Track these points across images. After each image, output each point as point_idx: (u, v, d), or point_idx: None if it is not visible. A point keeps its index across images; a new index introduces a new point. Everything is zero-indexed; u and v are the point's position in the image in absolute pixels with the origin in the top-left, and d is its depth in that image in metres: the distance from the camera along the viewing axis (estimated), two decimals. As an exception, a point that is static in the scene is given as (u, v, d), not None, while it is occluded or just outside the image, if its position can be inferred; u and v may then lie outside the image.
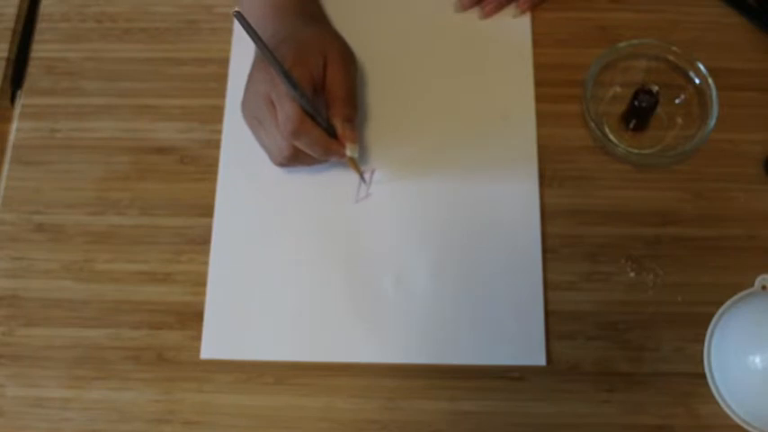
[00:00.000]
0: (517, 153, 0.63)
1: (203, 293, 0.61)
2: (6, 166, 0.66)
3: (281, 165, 0.61)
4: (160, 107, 0.66)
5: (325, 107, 0.59)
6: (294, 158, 0.59)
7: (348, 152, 0.59)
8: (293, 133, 0.56)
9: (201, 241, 0.62)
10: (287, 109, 0.56)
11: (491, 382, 0.58)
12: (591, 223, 0.62)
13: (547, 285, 0.60)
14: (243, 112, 0.61)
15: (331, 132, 0.58)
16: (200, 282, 0.61)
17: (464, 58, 0.66)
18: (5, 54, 0.68)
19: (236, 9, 0.50)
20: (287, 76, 0.54)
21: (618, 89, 0.65)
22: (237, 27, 0.68)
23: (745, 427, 0.53)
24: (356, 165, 0.61)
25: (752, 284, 0.56)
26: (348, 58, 0.61)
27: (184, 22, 0.69)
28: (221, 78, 0.67)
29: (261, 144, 0.61)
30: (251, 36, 0.51)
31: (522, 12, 0.67)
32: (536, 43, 0.67)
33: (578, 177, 0.63)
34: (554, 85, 0.65)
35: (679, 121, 0.64)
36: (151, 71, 0.67)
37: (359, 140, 0.60)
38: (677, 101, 0.64)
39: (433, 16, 0.68)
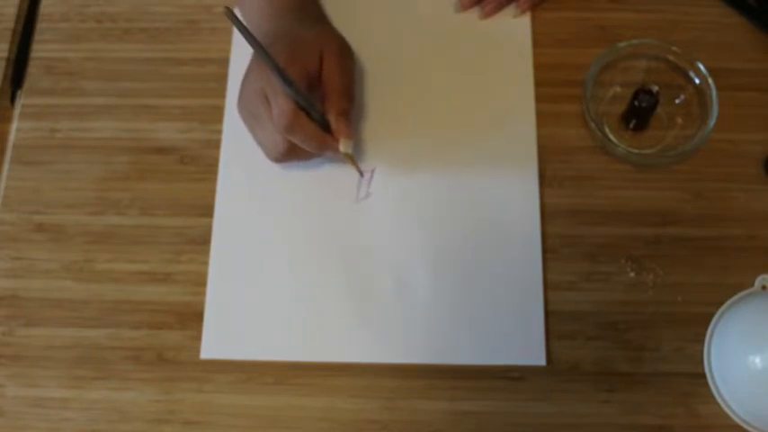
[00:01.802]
0: (517, 153, 0.63)
1: (203, 293, 0.61)
2: (6, 166, 0.66)
3: (277, 161, 0.61)
4: (160, 107, 0.66)
5: (320, 102, 0.59)
6: (290, 153, 0.59)
7: (341, 147, 0.58)
8: (287, 128, 0.56)
9: (201, 241, 0.62)
10: (280, 104, 0.56)
11: (491, 383, 0.58)
12: (591, 223, 0.62)
13: (547, 285, 0.60)
14: (238, 109, 0.61)
15: (327, 127, 0.58)
16: (200, 282, 0.61)
17: (464, 58, 0.66)
18: (5, 54, 0.68)
19: (226, 6, 0.50)
20: (279, 71, 0.54)
21: (618, 89, 0.65)
22: (237, 27, 0.68)
23: (745, 427, 0.53)
24: (353, 160, 0.61)
25: (752, 284, 0.56)
26: (345, 54, 0.61)
27: (184, 22, 0.69)
28: (221, 78, 0.67)
29: (256, 140, 0.61)
30: (241, 31, 0.51)
31: (522, 12, 0.67)
32: (536, 43, 0.66)
33: (578, 177, 0.63)
34: (554, 85, 0.65)
35: (679, 121, 0.64)
36: (151, 71, 0.67)
37: (354, 136, 0.60)
38: (677, 101, 0.64)
39: (433, 16, 0.68)
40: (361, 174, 0.62)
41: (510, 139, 0.64)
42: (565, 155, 0.63)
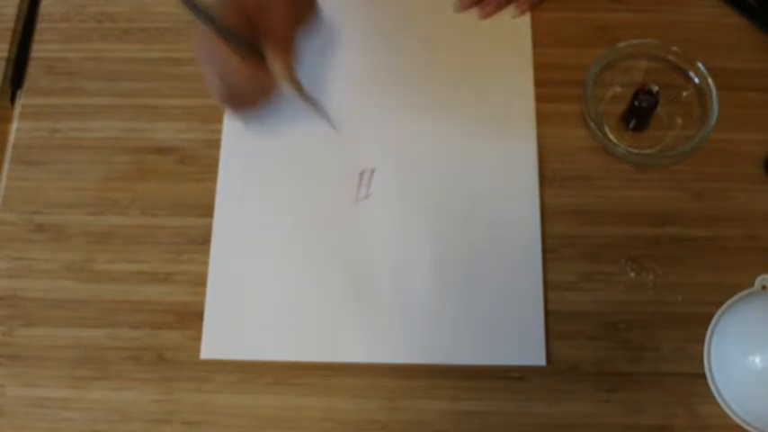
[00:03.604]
0: (517, 153, 0.63)
1: (203, 293, 0.61)
2: (6, 166, 0.66)
3: (226, 106, 0.59)
4: (160, 107, 0.66)
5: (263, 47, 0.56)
6: (231, 97, 0.57)
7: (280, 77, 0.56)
8: (204, 58, 0.54)
9: (201, 241, 0.62)
10: (200, 35, 0.54)
11: (492, 383, 0.58)
12: (591, 223, 0.62)
13: (547, 285, 0.60)
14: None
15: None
16: (200, 282, 0.61)
17: (464, 58, 0.66)
18: (5, 54, 0.68)
19: None
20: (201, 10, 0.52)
21: (618, 89, 0.65)
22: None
23: (745, 427, 0.53)
24: (299, 88, 0.58)
25: (752, 284, 0.56)
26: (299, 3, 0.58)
27: (184, 22, 0.69)
28: (221, 78, 0.67)
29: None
30: None
31: (522, 12, 0.67)
32: (536, 43, 0.67)
33: (578, 177, 0.63)
34: (554, 85, 0.65)
35: (679, 121, 0.64)
36: (151, 71, 0.67)
37: (296, 73, 0.57)
38: (677, 101, 0.64)
39: (433, 16, 0.68)
40: (313, 104, 0.60)
41: (510, 138, 0.64)
42: (565, 155, 0.63)
